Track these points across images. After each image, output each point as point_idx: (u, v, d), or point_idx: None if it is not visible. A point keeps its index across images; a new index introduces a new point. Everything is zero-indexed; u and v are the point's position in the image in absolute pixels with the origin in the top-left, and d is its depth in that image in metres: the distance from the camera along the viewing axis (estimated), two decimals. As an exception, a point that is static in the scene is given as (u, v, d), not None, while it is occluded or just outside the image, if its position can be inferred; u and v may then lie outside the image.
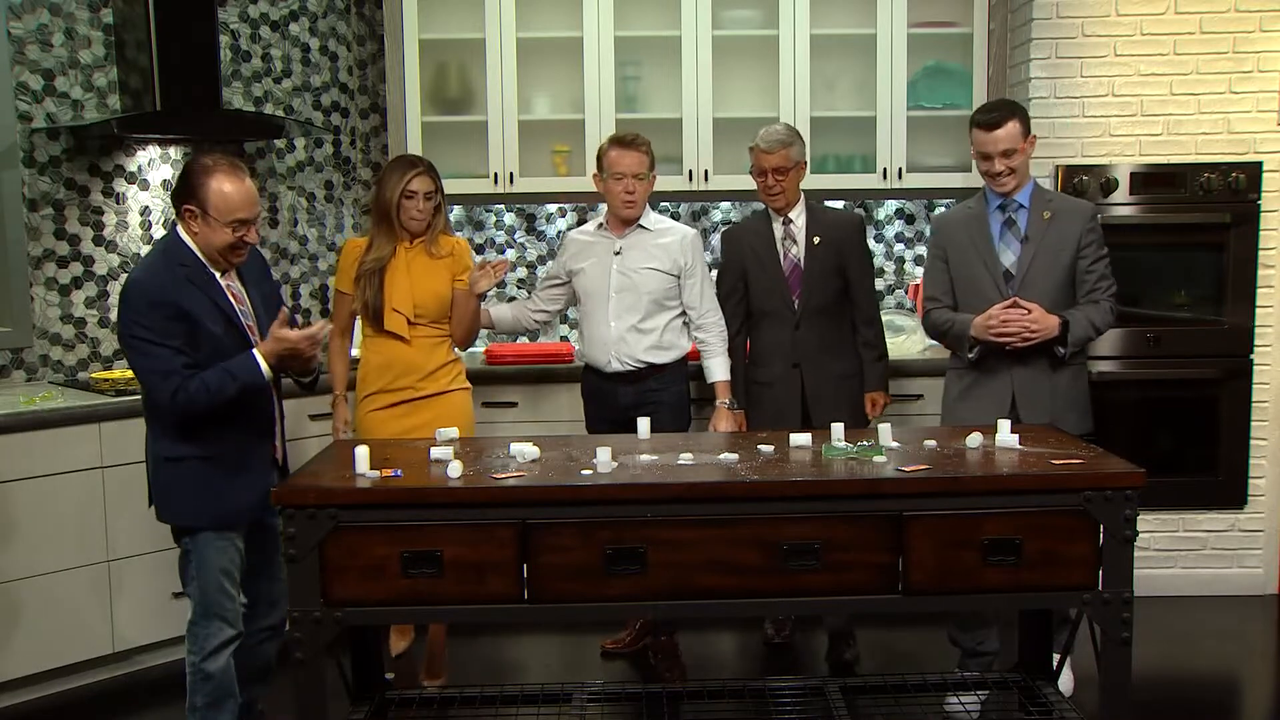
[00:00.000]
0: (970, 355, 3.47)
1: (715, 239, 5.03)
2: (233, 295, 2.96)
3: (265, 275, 3.17)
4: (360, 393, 3.67)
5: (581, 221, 5.02)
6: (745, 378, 3.91)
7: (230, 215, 2.85)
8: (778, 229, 3.85)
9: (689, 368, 3.89)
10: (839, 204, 4.80)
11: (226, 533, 2.96)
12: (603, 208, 3.93)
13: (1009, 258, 3.47)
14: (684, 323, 3.85)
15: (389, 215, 3.56)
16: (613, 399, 3.79)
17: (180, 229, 2.92)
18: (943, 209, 5.00)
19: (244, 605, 3.10)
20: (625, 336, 3.75)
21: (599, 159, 3.78)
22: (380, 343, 3.60)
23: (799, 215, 3.85)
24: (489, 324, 3.99)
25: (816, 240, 3.82)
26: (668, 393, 3.78)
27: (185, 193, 2.87)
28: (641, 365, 3.75)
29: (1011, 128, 3.39)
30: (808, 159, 3.89)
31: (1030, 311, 3.33)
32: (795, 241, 3.84)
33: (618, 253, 3.78)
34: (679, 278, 3.78)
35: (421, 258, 3.59)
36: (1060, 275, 3.45)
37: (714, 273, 4.07)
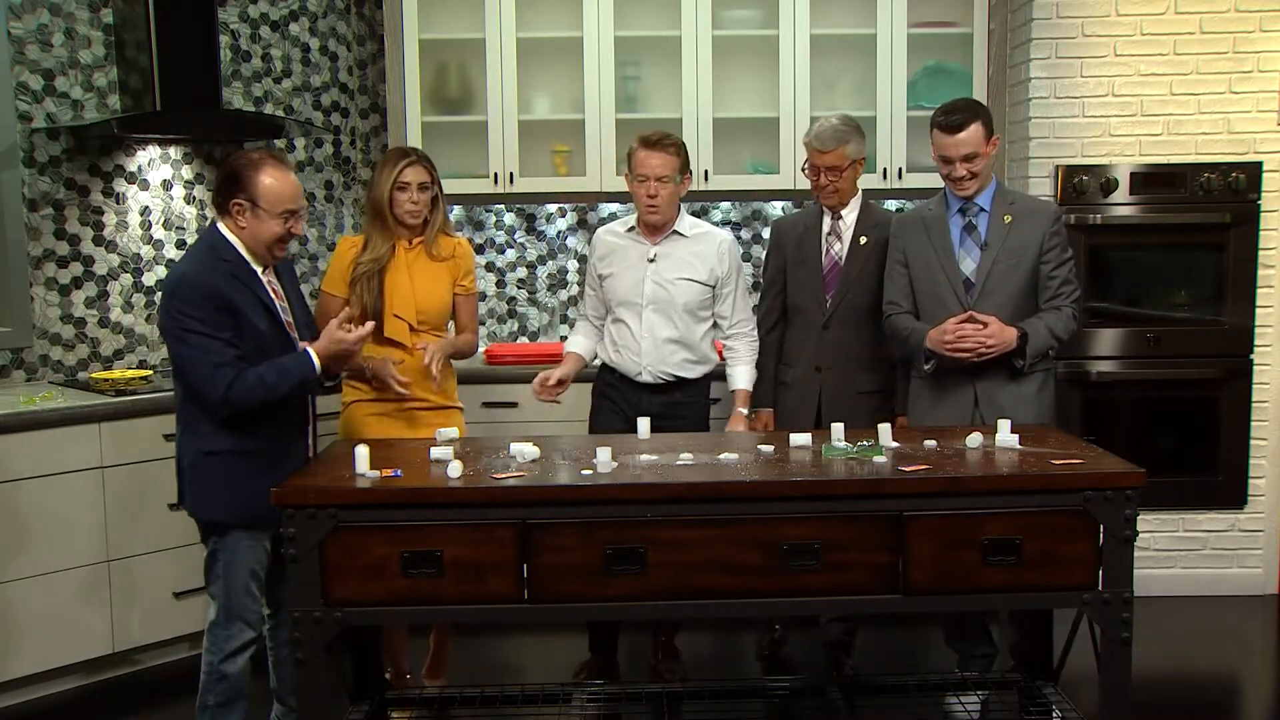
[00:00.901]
0: (925, 368, 3.39)
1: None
2: (273, 290, 2.98)
3: (295, 276, 3.20)
4: (347, 398, 3.48)
5: (582, 221, 5.02)
6: (774, 376, 3.77)
7: (281, 206, 2.87)
8: (826, 223, 3.69)
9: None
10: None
11: (256, 532, 2.94)
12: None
13: (969, 265, 3.38)
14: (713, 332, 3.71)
15: (383, 210, 3.38)
16: (632, 405, 3.57)
17: (221, 226, 2.92)
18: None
19: (269, 613, 3.10)
20: (660, 349, 3.58)
21: (628, 158, 3.59)
22: (377, 349, 3.37)
23: (851, 213, 3.68)
24: (582, 366, 3.74)
25: (863, 240, 3.64)
26: (694, 407, 3.65)
27: (233, 188, 2.88)
28: (673, 379, 3.60)
29: (974, 131, 3.30)
30: (864, 155, 3.69)
31: (987, 325, 3.24)
32: (840, 239, 3.67)
33: (652, 260, 3.58)
34: (714, 287, 3.62)
35: (422, 259, 3.44)
36: (1021, 282, 3.35)
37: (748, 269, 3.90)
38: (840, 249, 3.67)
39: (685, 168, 3.56)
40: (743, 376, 3.69)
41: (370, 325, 3.04)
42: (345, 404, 3.51)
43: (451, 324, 3.62)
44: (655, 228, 3.60)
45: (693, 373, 3.63)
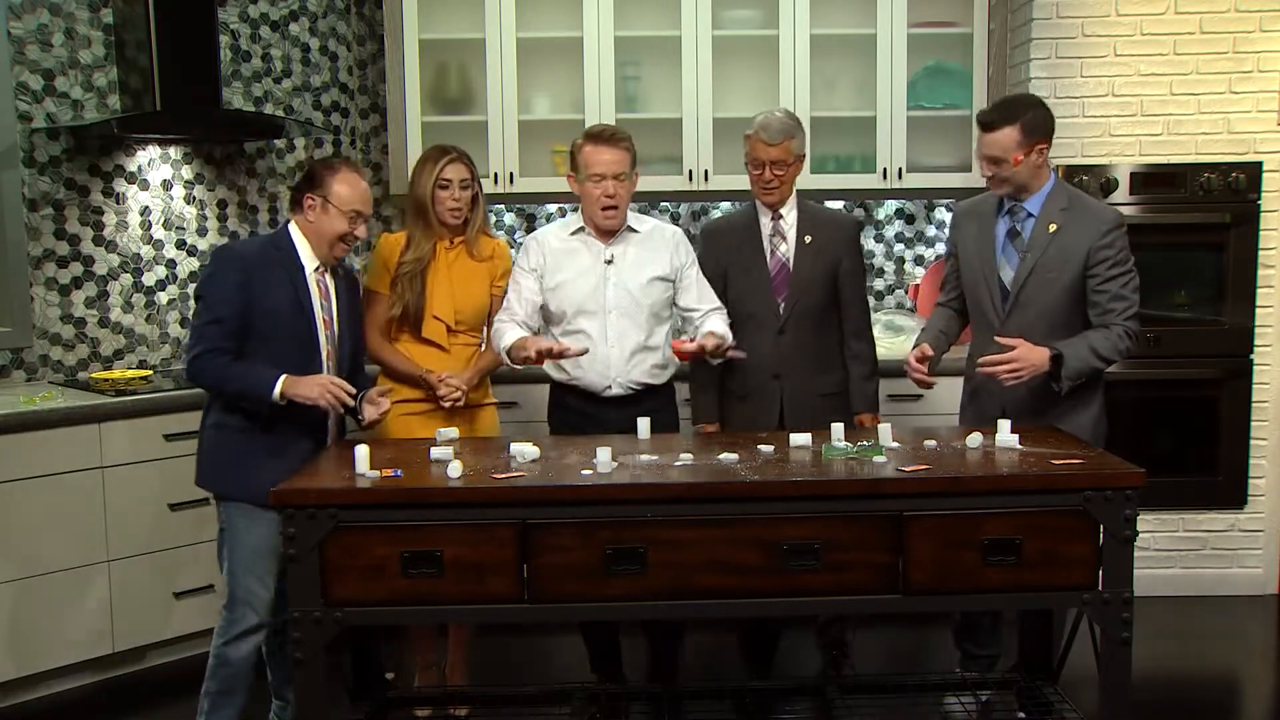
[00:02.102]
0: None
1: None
2: (319, 288, 3.09)
3: (356, 293, 3.29)
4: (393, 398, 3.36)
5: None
6: (720, 388, 3.58)
7: (350, 206, 3.07)
8: (766, 225, 3.52)
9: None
10: (838, 204, 4.80)
11: (263, 512, 2.91)
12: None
13: (1008, 273, 3.25)
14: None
15: (425, 209, 3.35)
16: (599, 424, 3.37)
17: (291, 225, 3.10)
18: (943, 207, 5.00)
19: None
20: (630, 359, 3.38)
21: (573, 157, 3.38)
22: (414, 348, 3.40)
23: (790, 211, 3.52)
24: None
25: (808, 239, 3.49)
26: (663, 414, 3.44)
27: (309, 185, 3.09)
28: (642, 387, 3.40)
29: (1004, 135, 3.14)
30: (807, 153, 3.58)
31: (1015, 349, 3.06)
32: (784, 239, 3.51)
33: (609, 261, 3.39)
34: (674, 282, 3.45)
35: (463, 259, 3.41)
36: (1060, 294, 3.20)
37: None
38: (787, 249, 3.51)
39: (635, 163, 3.39)
40: (716, 323, 3.40)
41: (345, 392, 2.96)
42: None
43: (485, 327, 3.54)
44: (607, 230, 3.39)
45: (660, 378, 3.46)
